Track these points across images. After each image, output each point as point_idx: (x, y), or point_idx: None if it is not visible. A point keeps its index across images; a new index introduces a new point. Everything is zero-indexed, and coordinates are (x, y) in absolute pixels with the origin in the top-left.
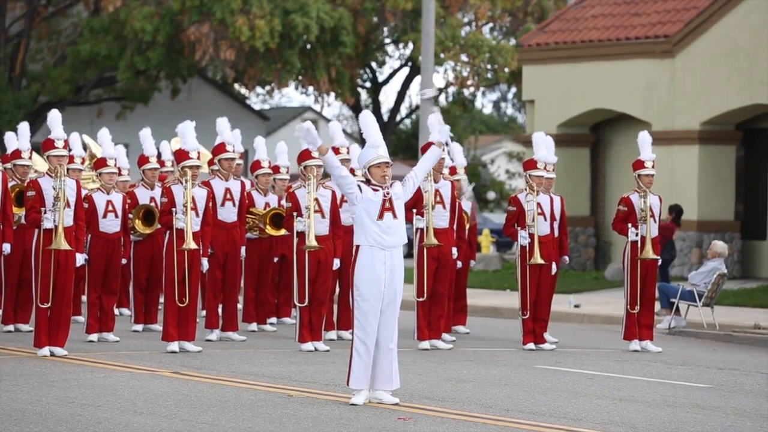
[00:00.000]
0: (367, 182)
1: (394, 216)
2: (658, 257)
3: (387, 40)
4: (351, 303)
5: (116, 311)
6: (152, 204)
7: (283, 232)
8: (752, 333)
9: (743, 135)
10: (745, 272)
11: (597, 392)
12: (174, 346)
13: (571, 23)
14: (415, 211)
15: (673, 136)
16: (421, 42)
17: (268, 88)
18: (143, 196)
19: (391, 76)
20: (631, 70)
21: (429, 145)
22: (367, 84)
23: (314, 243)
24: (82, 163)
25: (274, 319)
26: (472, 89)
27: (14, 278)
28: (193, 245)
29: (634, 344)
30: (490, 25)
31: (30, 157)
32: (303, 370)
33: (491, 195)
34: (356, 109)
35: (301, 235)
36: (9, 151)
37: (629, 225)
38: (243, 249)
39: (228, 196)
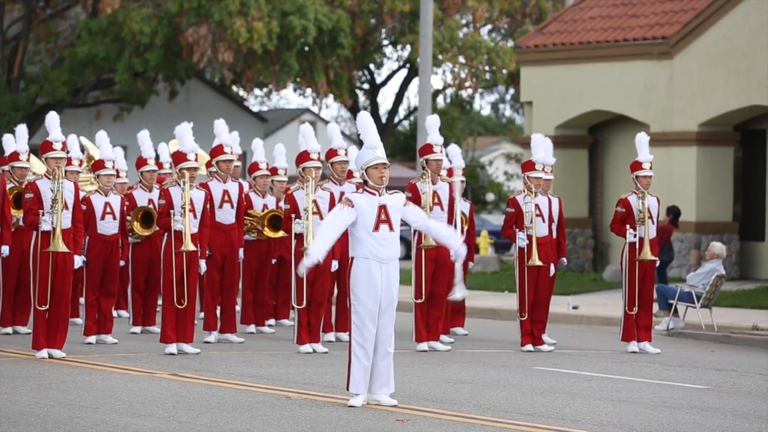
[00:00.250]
0: (364, 183)
1: (390, 228)
2: (657, 258)
3: (385, 42)
4: (349, 306)
5: (114, 313)
6: (150, 206)
7: (281, 234)
8: (750, 334)
9: (741, 136)
10: (744, 273)
11: (595, 393)
12: (172, 348)
13: (569, 25)
14: None
15: (671, 137)
16: (419, 44)
17: (266, 89)
18: (141, 198)
19: (389, 77)
20: (629, 72)
21: (427, 147)
22: (365, 86)
23: None
24: (80, 165)
25: (272, 321)
26: (470, 91)
27: (12, 280)
28: (191, 247)
29: (632, 345)
30: (488, 26)
31: (28, 160)
32: (301, 371)
33: (490, 196)
34: (354, 110)
35: (300, 237)
36: (7, 153)
37: (627, 226)
38: (241, 251)
39: (226, 198)
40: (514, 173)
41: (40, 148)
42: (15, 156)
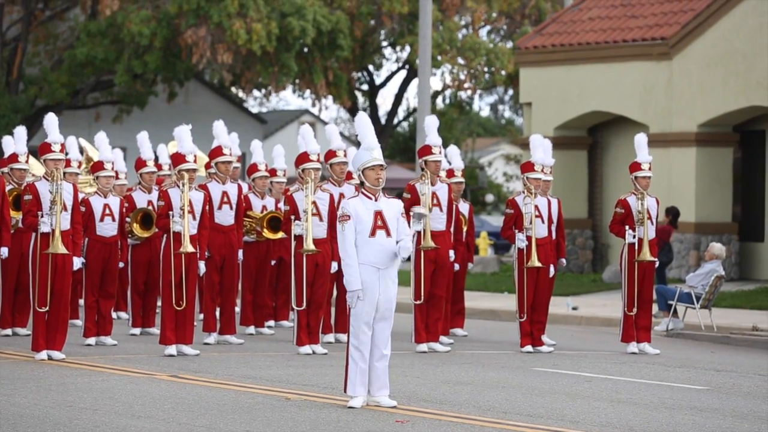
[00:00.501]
0: (361, 184)
1: (387, 234)
2: (656, 259)
3: (384, 43)
4: (348, 308)
5: (114, 315)
6: (150, 207)
7: (280, 235)
8: (750, 335)
9: (740, 137)
10: (743, 274)
11: (595, 394)
12: (172, 349)
13: (568, 26)
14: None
15: (671, 138)
16: (419, 45)
17: (265, 91)
18: (141, 199)
19: (388, 79)
20: (628, 73)
21: (426, 149)
22: (365, 87)
23: (312, 246)
24: (79, 166)
25: (271, 322)
26: (469, 92)
27: (12, 282)
28: (190, 248)
29: (631, 346)
30: (487, 27)
31: (27, 161)
32: (301, 373)
33: (489, 198)
34: (353, 112)
35: (299, 239)
36: (6, 155)
37: (626, 227)
38: (240, 252)
39: (225, 199)
40: (514, 174)
41: (39, 150)
42: (14, 158)
